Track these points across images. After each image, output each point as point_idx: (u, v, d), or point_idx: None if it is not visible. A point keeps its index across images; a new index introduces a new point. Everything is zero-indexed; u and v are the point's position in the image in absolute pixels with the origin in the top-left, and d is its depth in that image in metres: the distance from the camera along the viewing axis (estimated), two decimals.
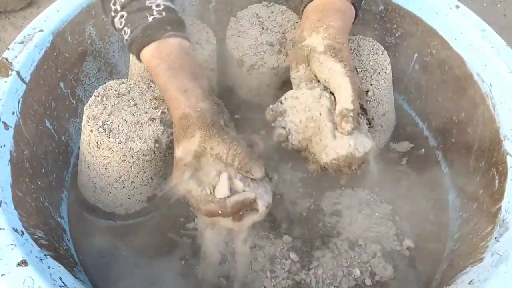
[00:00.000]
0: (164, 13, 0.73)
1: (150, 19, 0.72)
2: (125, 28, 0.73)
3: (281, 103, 0.73)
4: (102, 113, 0.73)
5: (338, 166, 0.68)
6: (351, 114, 0.67)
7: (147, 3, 0.73)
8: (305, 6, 0.79)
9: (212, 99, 0.71)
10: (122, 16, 0.73)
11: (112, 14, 0.74)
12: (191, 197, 0.66)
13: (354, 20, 0.79)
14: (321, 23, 0.75)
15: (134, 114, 0.74)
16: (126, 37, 0.73)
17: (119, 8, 0.73)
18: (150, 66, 0.72)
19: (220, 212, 0.64)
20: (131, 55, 0.83)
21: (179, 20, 0.75)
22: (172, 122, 0.71)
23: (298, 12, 0.94)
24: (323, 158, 0.69)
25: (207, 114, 0.67)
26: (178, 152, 0.67)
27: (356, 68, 0.76)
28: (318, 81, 0.74)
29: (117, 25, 0.74)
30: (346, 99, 0.68)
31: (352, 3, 0.77)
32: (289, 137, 0.72)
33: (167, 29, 0.72)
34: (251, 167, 0.65)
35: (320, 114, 0.69)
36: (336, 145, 0.68)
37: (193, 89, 0.69)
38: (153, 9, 0.73)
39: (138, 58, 0.75)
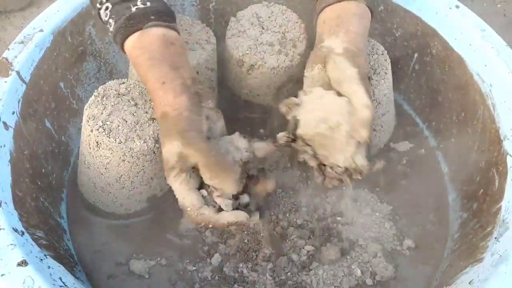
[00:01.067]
0: (148, 3, 0.72)
1: (133, 9, 0.71)
2: (110, 20, 0.72)
3: (303, 94, 0.75)
4: (102, 113, 0.73)
5: (348, 172, 0.73)
6: (370, 123, 0.69)
7: None
8: (321, 10, 0.78)
9: (194, 90, 0.70)
10: (107, 8, 0.73)
11: (98, 6, 0.74)
12: (182, 204, 0.68)
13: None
14: (341, 28, 0.75)
15: (134, 114, 0.74)
16: (110, 29, 0.73)
17: (104, 0, 0.73)
18: (132, 56, 0.72)
19: (210, 225, 0.68)
20: None
21: (166, 10, 0.74)
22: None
23: (298, 12, 0.94)
24: (339, 161, 0.72)
25: (184, 113, 0.67)
26: (164, 152, 0.67)
27: (369, 77, 0.76)
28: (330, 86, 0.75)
29: (103, 17, 0.74)
30: (364, 107, 0.70)
31: (368, 6, 0.77)
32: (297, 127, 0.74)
33: (151, 18, 0.71)
34: (223, 182, 0.67)
35: (340, 123, 0.71)
36: (353, 155, 0.71)
37: (172, 80, 0.68)
38: (138, 0, 0.72)
39: (123, 50, 0.73)
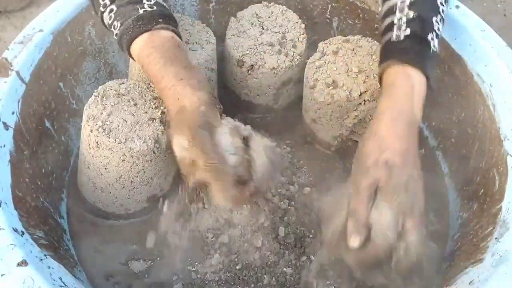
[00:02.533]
0: (155, 7, 0.72)
1: (141, 11, 0.71)
2: (115, 22, 0.72)
3: None
4: (102, 113, 0.73)
5: None
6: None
7: None
8: (384, 70, 0.72)
9: (209, 90, 0.70)
10: (111, 10, 0.72)
11: (101, 9, 0.73)
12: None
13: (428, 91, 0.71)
14: (374, 127, 0.67)
15: (134, 114, 0.74)
16: (116, 31, 0.72)
17: (108, 2, 0.72)
18: (142, 55, 0.71)
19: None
20: None
21: (170, 15, 0.74)
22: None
23: (298, 12, 0.94)
24: None
25: (201, 107, 0.66)
26: (175, 147, 0.66)
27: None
28: None
29: (106, 20, 0.73)
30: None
31: (426, 75, 0.69)
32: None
33: (159, 21, 0.71)
34: (214, 187, 0.64)
35: None
36: None
37: (189, 77, 0.68)
38: (144, 3, 0.72)
39: (128, 51, 0.73)
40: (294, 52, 0.87)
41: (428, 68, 0.70)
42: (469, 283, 0.65)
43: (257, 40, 0.88)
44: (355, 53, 0.85)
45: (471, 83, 0.83)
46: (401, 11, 0.72)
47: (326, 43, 0.88)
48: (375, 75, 0.82)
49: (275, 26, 0.90)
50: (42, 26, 0.81)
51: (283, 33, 0.89)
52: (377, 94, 0.81)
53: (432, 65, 0.71)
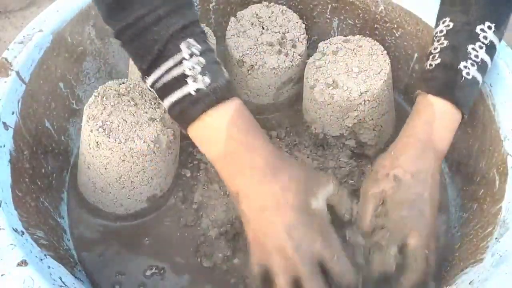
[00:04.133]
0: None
1: (225, 74, 0.66)
2: (199, 76, 0.64)
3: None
4: (102, 113, 0.73)
5: None
6: None
7: (215, 57, 0.67)
8: (416, 97, 0.76)
9: None
10: (199, 62, 0.64)
11: (185, 56, 0.64)
12: None
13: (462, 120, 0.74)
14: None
15: (134, 114, 0.74)
16: (199, 85, 0.64)
17: (197, 52, 0.65)
18: (241, 121, 0.65)
19: None
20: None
21: None
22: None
23: (298, 12, 0.94)
24: None
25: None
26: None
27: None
28: None
29: (185, 68, 0.64)
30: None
31: (453, 103, 0.72)
32: None
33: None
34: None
35: None
36: None
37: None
38: (222, 66, 0.68)
39: (203, 110, 0.64)
40: (294, 52, 0.87)
41: (457, 96, 0.72)
42: (469, 283, 0.65)
43: (257, 40, 0.88)
44: (355, 53, 0.85)
45: None
46: (438, 40, 0.75)
47: (326, 43, 0.88)
48: (375, 75, 0.82)
49: (275, 26, 0.90)
50: (42, 26, 0.81)
51: (283, 33, 0.89)
52: (377, 94, 0.81)
53: (465, 93, 0.72)
